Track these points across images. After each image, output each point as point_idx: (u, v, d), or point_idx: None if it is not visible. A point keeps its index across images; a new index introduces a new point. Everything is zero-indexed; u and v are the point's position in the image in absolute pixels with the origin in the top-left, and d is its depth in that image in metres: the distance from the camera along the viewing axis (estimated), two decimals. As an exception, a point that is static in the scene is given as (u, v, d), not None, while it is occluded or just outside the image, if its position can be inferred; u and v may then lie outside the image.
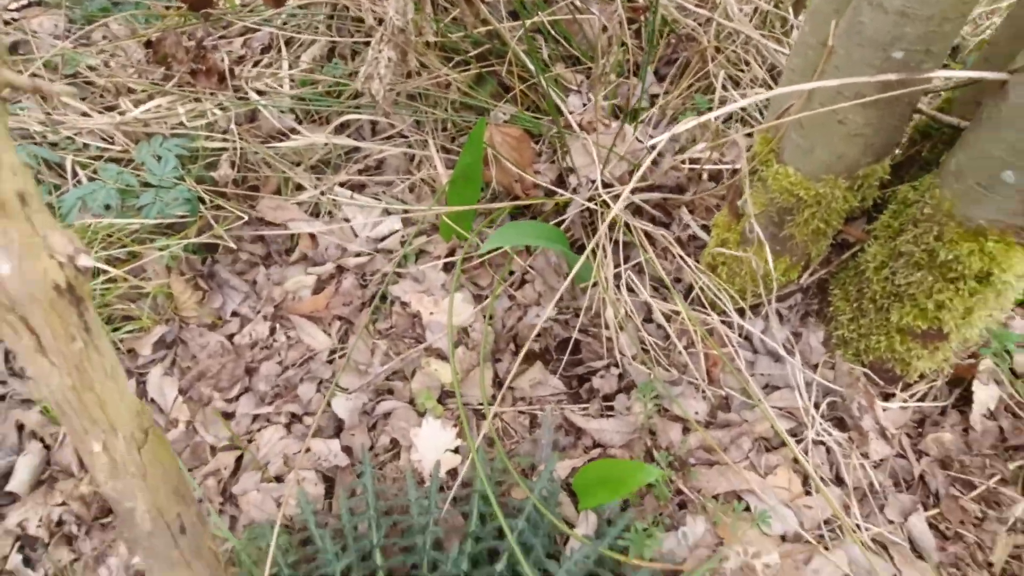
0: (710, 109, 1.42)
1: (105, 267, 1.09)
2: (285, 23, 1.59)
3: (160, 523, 0.56)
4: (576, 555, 0.78)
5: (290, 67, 1.55)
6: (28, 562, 0.83)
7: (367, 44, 1.57)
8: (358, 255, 1.33)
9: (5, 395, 0.96)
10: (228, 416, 1.07)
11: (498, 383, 1.17)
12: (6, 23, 1.81)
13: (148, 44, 1.52)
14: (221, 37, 1.66)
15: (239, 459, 1.01)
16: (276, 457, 1.01)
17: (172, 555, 0.59)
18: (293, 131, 1.39)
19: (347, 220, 1.39)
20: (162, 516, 0.56)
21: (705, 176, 1.34)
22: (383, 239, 1.36)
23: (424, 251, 1.36)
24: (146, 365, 1.10)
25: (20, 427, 0.95)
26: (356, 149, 1.51)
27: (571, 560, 0.77)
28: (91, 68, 1.58)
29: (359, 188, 1.47)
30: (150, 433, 0.54)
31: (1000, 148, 0.78)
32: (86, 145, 1.33)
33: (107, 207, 1.16)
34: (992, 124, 0.79)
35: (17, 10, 1.82)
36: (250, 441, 1.04)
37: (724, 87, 1.42)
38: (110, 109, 1.46)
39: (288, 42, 1.61)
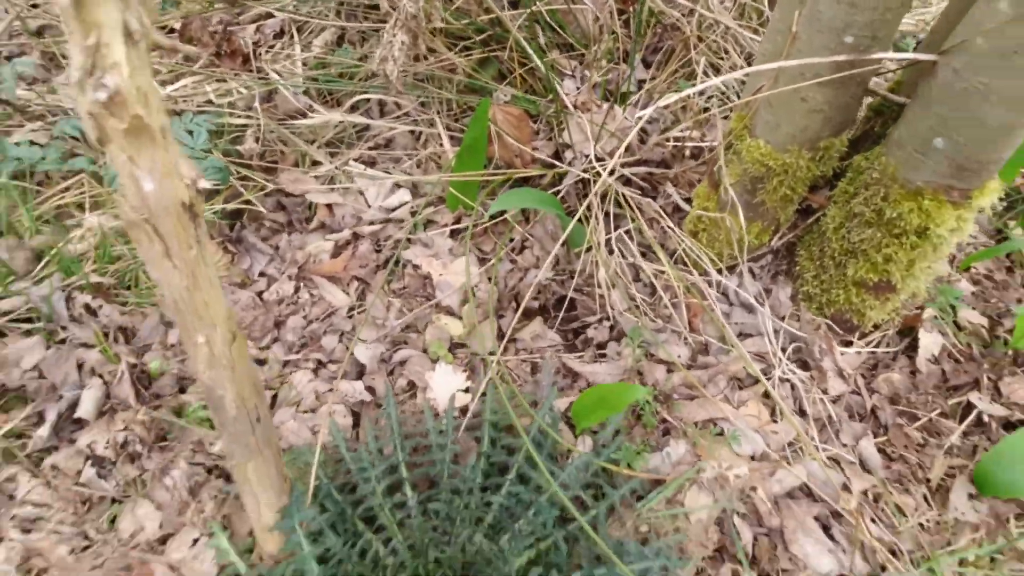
0: (693, 97, 1.56)
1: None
2: (298, 10, 1.71)
3: (242, 410, 0.69)
4: (576, 462, 0.92)
5: (302, 51, 1.66)
6: (101, 476, 0.95)
7: (375, 30, 1.69)
8: (372, 223, 1.45)
9: (66, 339, 1.08)
10: (261, 362, 1.20)
11: (502, 336, 1.30)
12: (33, 6, 1.90)
13: (172, 30, 1.63)
14: (235, 23, 1.77)
15: (274, 397, 1.14)
16: (308, 395, 1.14)
17: (249, 441, 0.71)
18: (311, 109, 1.51)
19: (361, 192, 1.51)
20: (244, 404, 0.69)
21: (687, 153, 1.48)
22: (394, 209, 1.49)
23: (431, 220, 1.49)
24: (185, 317, 1.22)
25: (80, 365, 1.06)
26: (366, 127, 1.63)
27: (572, 465, 0.91)
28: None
29: (370, 163, 1.60)
30: (237, 335, 0.67)
31: (931, 119, 0.92)
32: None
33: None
34: (925, 100, 0.93)
35: (39, -5, 1.92)
36: (283, 383, 1.17)
37: (705, 73, 1.56)
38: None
39: (300, 28, 1.72)
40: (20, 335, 1.06)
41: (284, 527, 0.79)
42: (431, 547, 0.81)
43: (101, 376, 1.05)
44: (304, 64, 1.58)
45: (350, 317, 1.31)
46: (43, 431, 0.97)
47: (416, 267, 1.39)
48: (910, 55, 0.93)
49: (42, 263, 1.12)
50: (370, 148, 1.61)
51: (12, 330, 1.06)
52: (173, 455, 0.97)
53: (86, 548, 0.88)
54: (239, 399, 0.68)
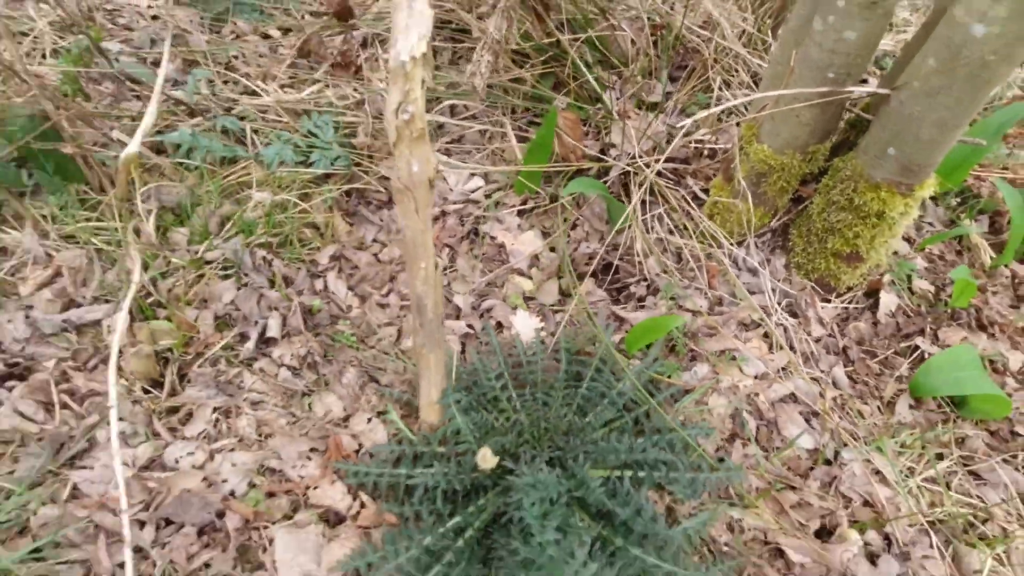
0: (709, 105, 1.95)
1: (296, 200, 1.57)
2: (387, 28, 2.07)
3: (436, 314, 1.07)
4: (632, 371, 1.31)
5: (379, 66, 2.03)
6: (294, 377, 1.32)
7: (450, 42, 2.06)
8: (455, 203, 1.83)
9: (248, 283, 1.45)
10: (384, 306, 1.57)
11: (561, 293, 1.69)
12: (153, 18, 2.25)
13: (267, 35, 1.99)
14: (348, 39, 2.14)
15: (399, 331, 1.51)
16: (424, 329, 1.52)
17: (436, 337, 1.09)
18: (406, 111, 1.88)
19: (444, 179, 1.89)
20: (436, 310, 1.07)
21: (705, 153, 1.86)
22: (472, 192, 1.86)
23: (501, 202, 1.87)
24: (323, 271, 1.59)
25: (259, 301, 1.43)
26: (441, 126, 2.00)
27: (631, 373, 1.30)
28: (234, 57, 2.04)
29: (446, 155, 1.97)
30: (437, 264, 1.05)
31: (886, 134, 1.31)
32: (253, 118, 1.80)
33: (282, 162, 1.64)
34: (883, 120, 1.32)
35: (161, 6, 2.27)
36: (402, 321, 1.54)
37: (720, 88, 1.94)
38: (250, 92, 1.93)
39: (383, 42, 2.09)
40: (220, 278, 1.43)
41: (445, 401, 1.17)
42: (540, 419, 1.20)
43: (277, 309, 1.43)
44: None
45: (445, 274, 1.68)
46: (249, 345, 1.34)
47: (493, 238, 1.77)
48: (872, 89, 1.31)
49: (227, 226, 1.49)
50: (445, 143, 1.99)
51: (212, 274, 1.43)
52: (342, 365, 1.35)
53: (294, 422, 1.26)
54: (435, 306, 1.06)
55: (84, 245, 1.38)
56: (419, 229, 0.98)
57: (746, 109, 1.97)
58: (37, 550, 1.00)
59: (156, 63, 1.94)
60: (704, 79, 1.98)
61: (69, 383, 1.20)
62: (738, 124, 1.81)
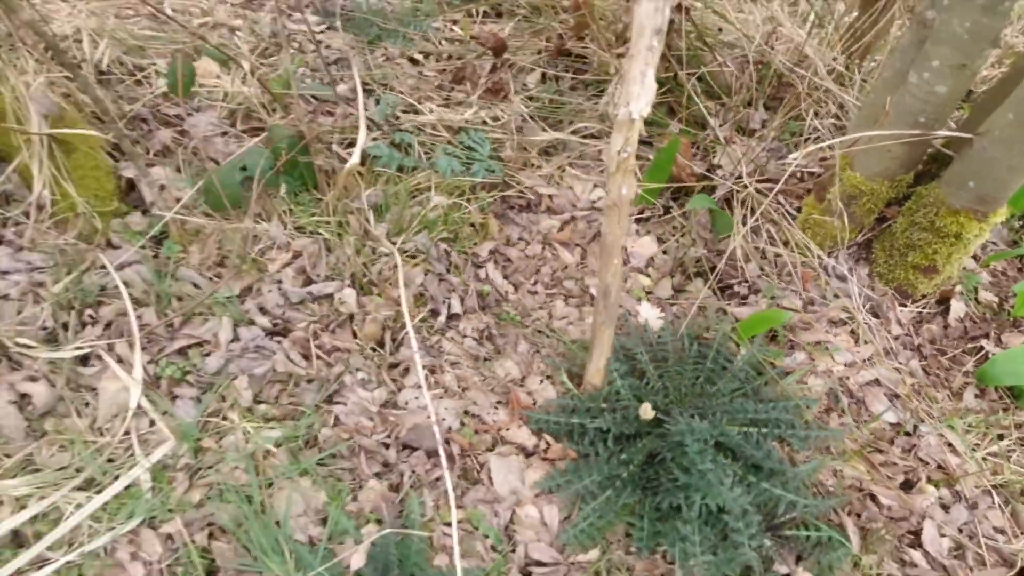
0: (800, 132, 2.25)
1: (463, 203, 1.93)
2: (536, 63, 2.42)
3: (615, 299, 1.41)
4: (745, 355, 1.63)
5: (515, 92, 2.38)
6: (478, 345, 1.68)
7: (570, 71, 2.40)
8: (582, 209, 2.17)
9: (429, 270, 1.81)
10: (532, 293, 1.92)
11: (674, 289, 2.02)
12: (316, 44, 2.64)
13: (415, 60, 2.35)
14: (496, 68, 2.49)
15: (550, 313, 1.86)
16: (570, 313, 1.86)
17: (614, 315, 1.43)
18: (543, 130, 2.23)
19: (571, 188, 2.23)
20: (616, 296, 1.41)
21: (798, 176, 2.17)
22: (595, 201, 2.20)
23: (618, 211, 2.20)
24: (483, 262, 1.94)
25: (439, 283, 1.79)
26: (565, 144, 2.34)
27: (742, 359, 1.62)
28: (388, 78, 2.41)
29: (565, 170, 2.31)
30: (619, 260, 1.39)
31: (966, 170, 1.61)
32: (416, 132, 2.17)
33: (452, 171, 2.00)
34: (964, 158, 1.62)
35: (321, 32, 2.66)
36: (550, 307, 1.89)
37: (811, 118, 2.24)
38: (412, 110, 2.29)
39: (521, 70, 2.43)
40: (411, 265, 1.79)
41: (611, 368, 1.51)
42: (680, 385, 1.53)
43: (456, 291, 1.79)
44: (531, 99, 2.30)
45: (577, 269, 2.03)
46: (441, 319, 1.71)
47: (614, 241, 2.11)
48: (957, 134, 1.61)
49: (414, 223, 1.85)
50: (568, 158, 2.33)
51: (406, 261, 1.79)
52: (514, 338, 1.70)
53: (483, 380, 1.61)
54: (616, 292, 1.40)
55: (312, 234, 1.76)
56: (618, 235, 1.32)
57: (842, 131, 2.27)
58: (323, 458, 1.37)
59: (332, 83, 2.32)
60: (796, 109, 2.28)
61: (318, 339, 1.58)
62: (826, 157, 2.11)
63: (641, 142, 2.36)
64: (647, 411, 1.41)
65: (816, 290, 1.93)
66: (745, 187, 2.02)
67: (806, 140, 2.21)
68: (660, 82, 2.23)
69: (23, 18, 1.37)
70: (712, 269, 2.06)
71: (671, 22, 2.07)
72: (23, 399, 1.30)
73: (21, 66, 1.50)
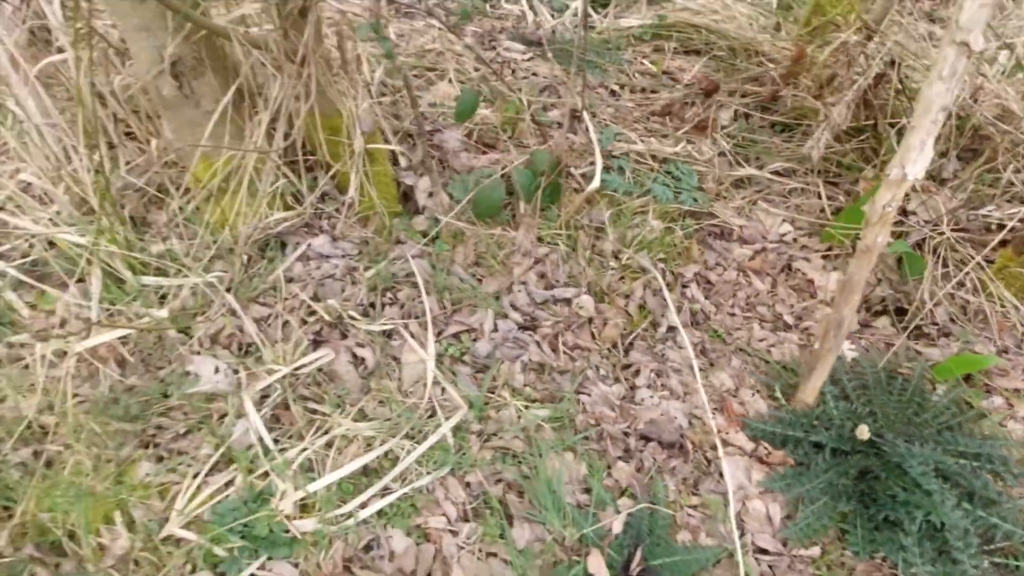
0: (995, 184, 2.34)
1: (676, 228, 2.16)
2: (733, 108, 2.63)
3: (845, 332, 1.59)
4: (948, 393, 1.76)
5: (730, 126, 2.58)
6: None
7: (759, 109, 2.58)
8: (772, 241, 2.35)
9: (648, 285, 2.04)
10: (731, 315, 2.12)
11: (860, 324, 2.16)
12: (534, 74, 2.95)
13: (654, 113, 2.59)
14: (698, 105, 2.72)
15: (748, 333, 2.06)
16: (766, 335, 2.05)
17: (838, 345, 1.62)
18: (738, 165, 2.42)
19: (759, 221, 2.42)
20: (848, 328, 1.59)
21: (991, 227, 2.26)
22: (783, 235, 2.38)
23: (805, 245, 2.37)
24: (688, 282, 2.17)
25: (653, 295, 2.02)
26: (751, 178, 2.53)
27: (944, 395, 1.75)
28: (594, 107, 2.67)
29: (754, 203, 2.49)
30: (857, 300, 1.57)
31: None
32: (625, 159, 2.41)
33: (667, 198, 2.23)
34: None
35: (529, 59, 2.96)
36: (745, 328, 2.08)
37: (1009, 172, 2.33)
38: (621, 139, 2.54)
39: (720, 107, 2.64)
40: (632, 280, 2.04)
41: (826, 389, 1.69)
42: (888, 411, 1.69)
43: (670, 306, 2.01)
44: (730, 136, 2.50)
45: (768, 296, 2.21)
46: (661, 330, 1.94)
47: (803, 273, 2.28)
48: None
49: (634, 242, 2.10)
50: (755, 192, 2.51)
51: (631, 276, 2.04)
52: (725, 353, 1.92)
53: (701, 370, 1.84)
54: (847, 325, 1.58)
55: (549, 244, 2.04)
56: (863, 276, 1.51)
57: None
58: (578, 439, 1.63)
59: (544, 108, 2.61)
60: (993, 163, 2.37)
61: (562, 337, 1.85)
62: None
63: (827, 182, 2.52)
64: (864, 432, 1.59)
65: (1011, 339, 2.03)
66: (942, 234, 2.14)
67: (1003, 194, 2.30)
68: (860, 129, 2.38)
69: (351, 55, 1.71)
70: (897, 309, 2.19)
71: (882, 75, 2.22)
72: (356, 360, 1.64)
73: (351, 92, 1.85)
